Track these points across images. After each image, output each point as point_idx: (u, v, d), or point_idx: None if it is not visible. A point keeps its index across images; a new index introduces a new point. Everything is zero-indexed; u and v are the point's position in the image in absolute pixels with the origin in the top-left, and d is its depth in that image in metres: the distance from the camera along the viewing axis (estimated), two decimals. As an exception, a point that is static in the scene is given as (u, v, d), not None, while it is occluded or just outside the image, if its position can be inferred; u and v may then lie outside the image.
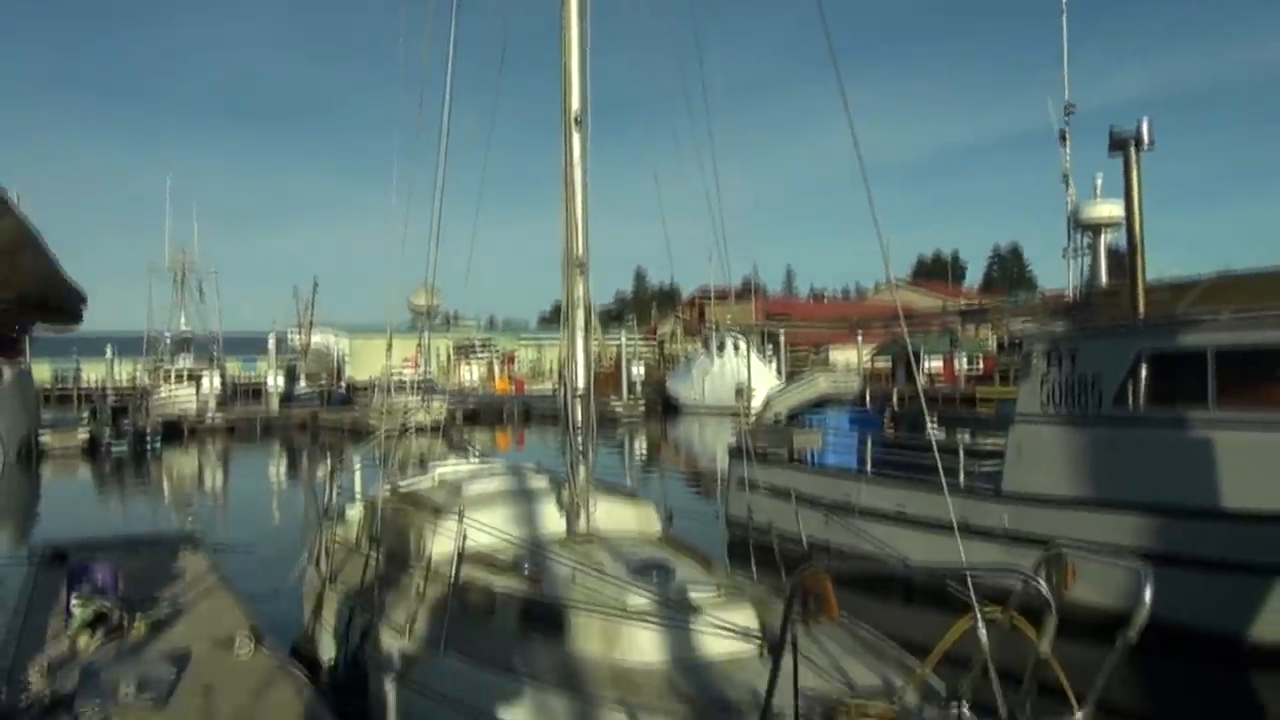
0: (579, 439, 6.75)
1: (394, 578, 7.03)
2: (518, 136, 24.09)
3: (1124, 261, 11.56)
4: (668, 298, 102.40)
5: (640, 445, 37.03)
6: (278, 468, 34.88)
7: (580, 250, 6.77)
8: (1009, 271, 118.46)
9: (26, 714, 5.92)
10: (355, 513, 9.44)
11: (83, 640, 7.63)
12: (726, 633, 5.01)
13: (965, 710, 3.96)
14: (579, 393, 6.76)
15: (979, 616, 3.57)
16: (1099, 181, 12.34)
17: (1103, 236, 12.56)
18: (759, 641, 5.09)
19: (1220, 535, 9.00)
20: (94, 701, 6.24)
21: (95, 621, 7.79)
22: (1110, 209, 12.12)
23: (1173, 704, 8.45)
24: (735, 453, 15.57)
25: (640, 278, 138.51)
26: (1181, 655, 8.71)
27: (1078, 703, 3.38)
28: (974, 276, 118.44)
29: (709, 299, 60.95)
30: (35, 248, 1.26)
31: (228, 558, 11.68)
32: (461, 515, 5.92)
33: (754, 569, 7.25)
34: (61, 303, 1.33)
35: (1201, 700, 8.65)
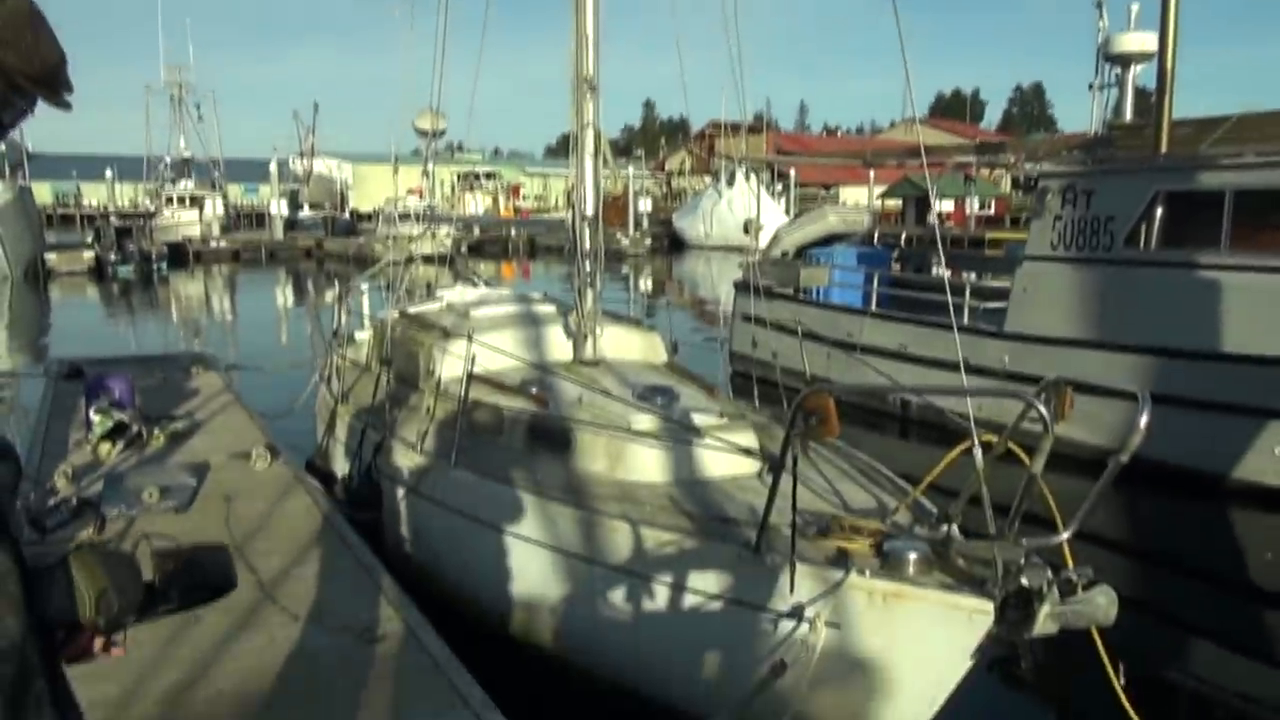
0: (586, 264, 6.74)
1: (404, 397, 7.19)
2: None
3: (1152, 100, 11.15)
4: (677, 130, 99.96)
5: (645, 281, 37.04)
6: (284, 293, 35.05)
7: (590, 68, 6.53)
8: (1029, 111, 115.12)
9: (55, 514, 6.18)
10: (365, 335, 9.56)
11: (104, 449, 7.89)
12: (727, 452, 5.15)
13: (954, 530, 4.13)
14: (587, 217, 6.70)
15: (975, 439, 3.67)
16: (1134, 9, 11.77)
17: (1132, 70, 12.10)
18: (759, 463, 5.26)
19: (1218, 377, 9.12)
20: (119, 505, 6.51)
21: (115, 432, 8.03)
22: (1144, 40, 11.63)
23: (1152, 535, 8.81)
24: (741, 287, 15.59)
25: (649, 110, 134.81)
26: (1165, 492, 9.04)
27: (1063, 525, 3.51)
28: (993, 116, 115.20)
29: (719, 133, 59.37)
30: (46, 23, 1.22)
31: (240, 377, 11.93)
32: (470, 337, 5.98)
33: (756, 400, 7.38)
34: (66, 83, 1.28)
35: (1179, 532, 9.02)
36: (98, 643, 1.38)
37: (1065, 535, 3.15)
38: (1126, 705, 4.66)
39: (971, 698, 4.22)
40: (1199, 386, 9.10)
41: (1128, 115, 12.41)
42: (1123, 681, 4.73)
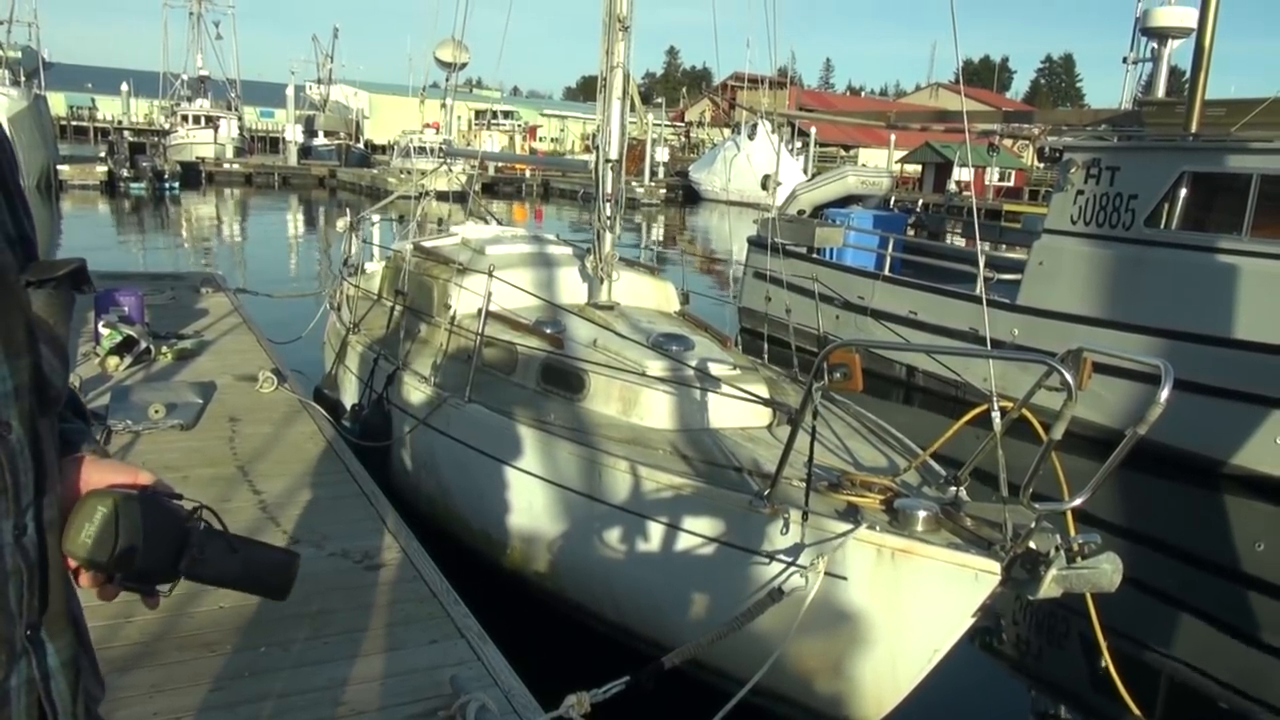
0: (607, 207, 6.67)
1: (417, 330, 7.17)
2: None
3: (1184, 78, 10.98)
4: (699, 80, 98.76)
5: (658, 230, 36.82)
6: (296, 220, 34.88)
7: (624, 7, 6.41)
8: (1057, 83, 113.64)
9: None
10: (376, 267, 9.51)
11: (111, 363, 7.90)
12: (741, 402, 5.14)
13: (963, 493, 4.14)
14: (611, 160, 6.62)
15: (994, 402, 3.66)
16: (1176, -19, 11.58)
17: (1169, 46, 11.90)
18: (771, 415, 5.25)
19: (1227, 363, 9.08)
20: (125, 419, 6.54)
21: (123, 346, 8.04)
22: (1183, 15, 11.41)
23: (1145, 516, 8.84)
24: (754, 243, 15.49)
25: (672, 56, 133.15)
26: (1162, 473, 9.06)
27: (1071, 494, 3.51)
28: (1020, 86, 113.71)
29: (742, 85, 58.68)
30: None
31: (247, 301, 11.90)
32: (490, 272, 5.94)
33: (766, 357, 7.36)
34: None
35: (1173, 515, 9.06)
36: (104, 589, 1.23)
37: (1077, 501, 3.16)
38: (1115, 677, 4.72)
39: (960, 666, 4.28)
40: (1207, 371, 9.07)
41: (1160, 91, 12.21)
42: (1107, 658, 4.78)
